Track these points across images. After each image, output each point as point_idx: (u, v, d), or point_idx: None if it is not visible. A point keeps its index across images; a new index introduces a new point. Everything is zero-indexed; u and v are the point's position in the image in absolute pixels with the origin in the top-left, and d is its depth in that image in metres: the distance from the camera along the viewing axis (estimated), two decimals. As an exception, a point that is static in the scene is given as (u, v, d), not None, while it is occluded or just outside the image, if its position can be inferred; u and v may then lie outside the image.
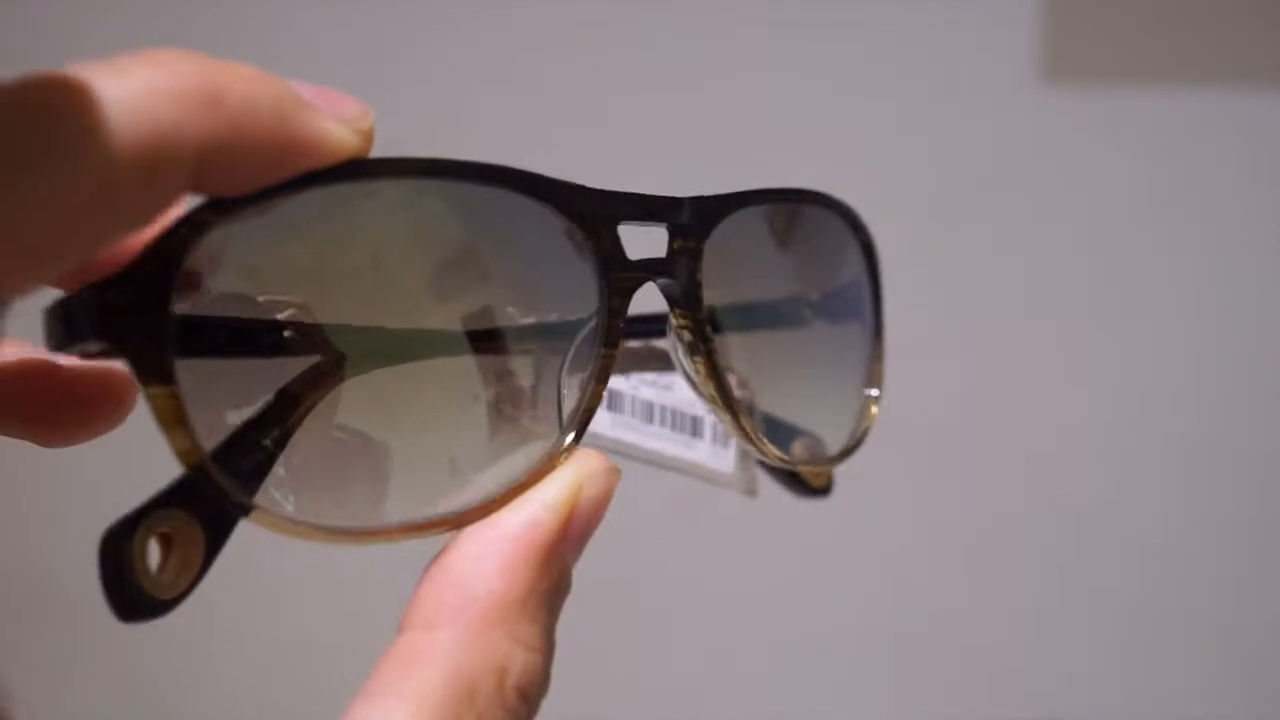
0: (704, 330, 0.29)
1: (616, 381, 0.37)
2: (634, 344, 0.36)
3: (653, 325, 0.32)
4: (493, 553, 0.24)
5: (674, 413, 0.37)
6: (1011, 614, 0.87)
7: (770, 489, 0.37)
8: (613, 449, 0.37)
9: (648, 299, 0.29)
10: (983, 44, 0.86)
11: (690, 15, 0.88)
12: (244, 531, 0.24)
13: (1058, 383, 0.86)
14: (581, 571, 0.26)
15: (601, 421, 0.37)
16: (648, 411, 0.37)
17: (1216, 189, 0.85)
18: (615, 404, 0.37)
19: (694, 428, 0.37)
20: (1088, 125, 0.86)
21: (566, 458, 0.26)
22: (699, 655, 0.89)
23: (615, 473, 0.26)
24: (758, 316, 0.34)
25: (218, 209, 0.23)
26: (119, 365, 0.25)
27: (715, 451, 0.37)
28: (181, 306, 0.23)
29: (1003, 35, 0.85)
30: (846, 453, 0.34)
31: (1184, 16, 0.84)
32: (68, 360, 0.28)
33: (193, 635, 0.89)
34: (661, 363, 0.36)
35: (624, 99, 0.88)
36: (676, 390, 0.37)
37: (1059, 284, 0.86)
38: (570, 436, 0.27)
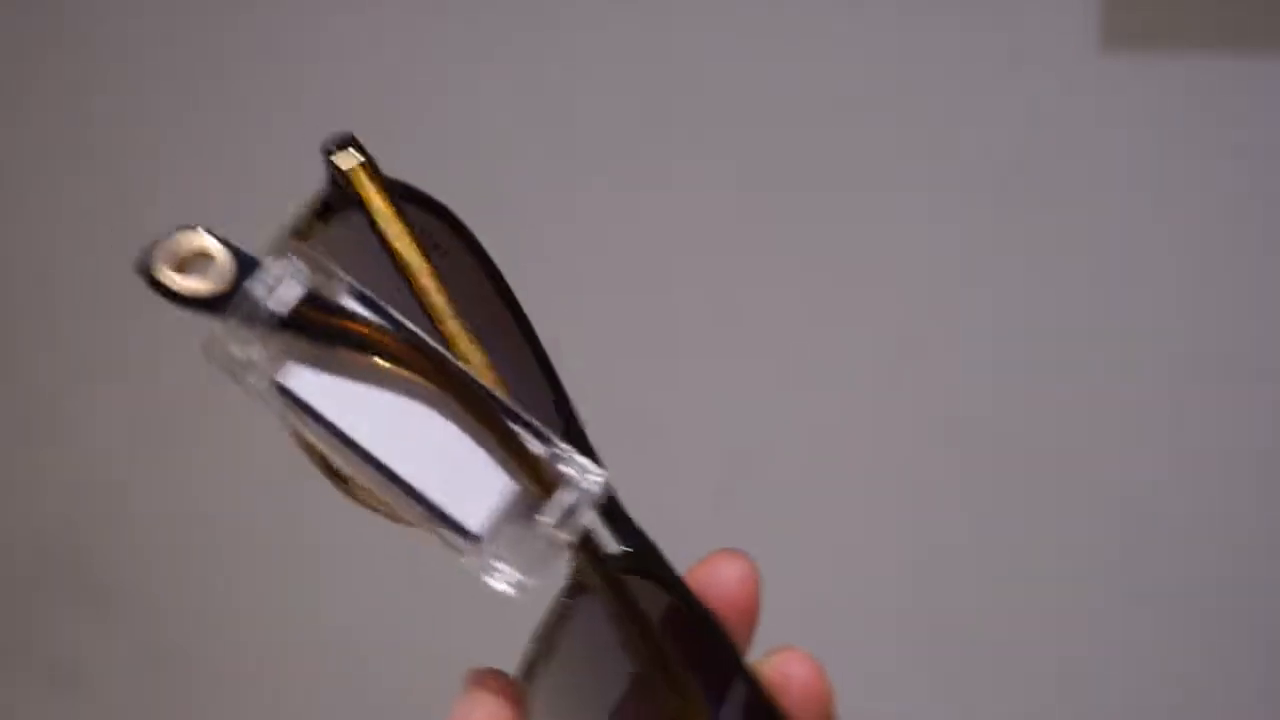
0: None
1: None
2: None
3: None
4: None
5: None
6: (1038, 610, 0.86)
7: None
8: None
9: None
10: (1037, 11, 0.82)
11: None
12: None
13: (1117, 352, 0.84)
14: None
15: None
16: None
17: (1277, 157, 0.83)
18: None
19: None
20: (1146, 94, 0.82)
21: None
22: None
23: None
24: None
25: None
26: None
27: None
28: None
29: (1058, 2, 0.82)
30: None
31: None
32: None
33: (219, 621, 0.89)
34: None
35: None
36: None
37: (1119, 253, 0.84)
38: None
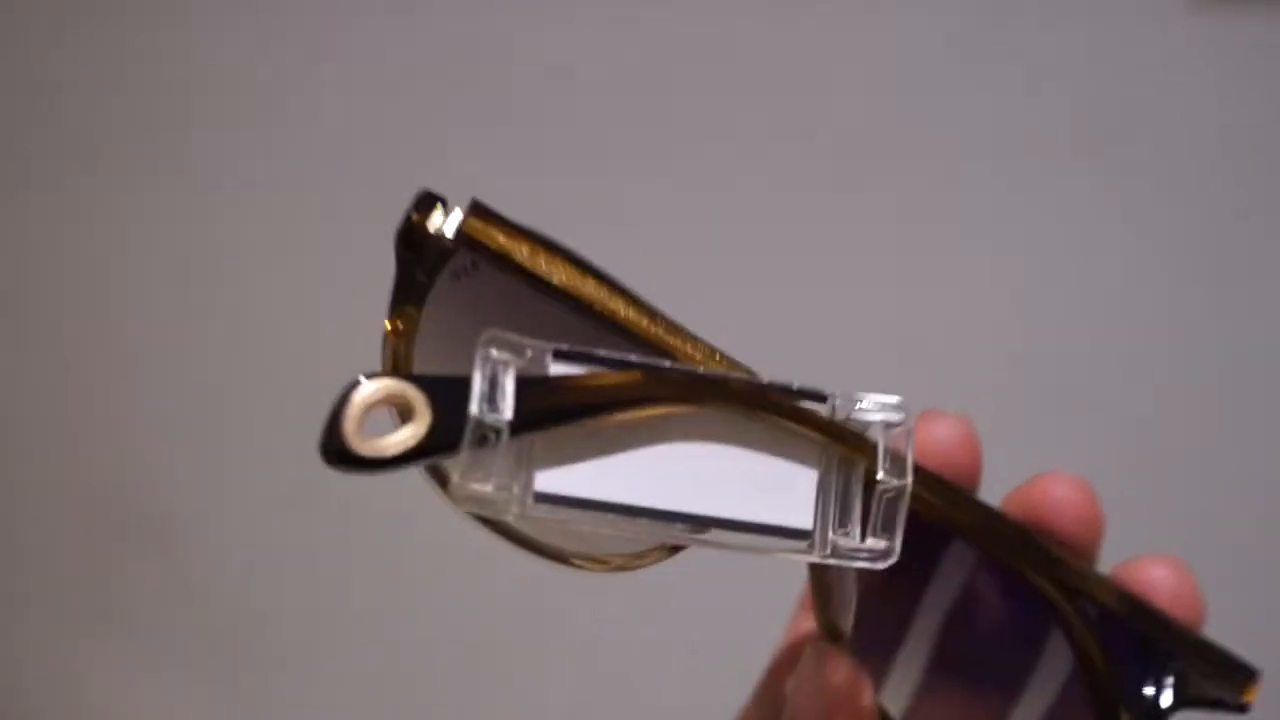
0: None
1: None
2: None
3: None
4: None
5: None
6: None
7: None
8: None
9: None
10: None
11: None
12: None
13: (1201, 323, 0.80)
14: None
15: None
16: None
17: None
18: None
19: None
20: (1234, 56, 0.78)
21: None
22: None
23: None
24: None
25: None
26: None
27: None
28: None
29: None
30: None
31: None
32: None
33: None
34: None
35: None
36: None
37: (1210, 218, 0.79)
38: None
